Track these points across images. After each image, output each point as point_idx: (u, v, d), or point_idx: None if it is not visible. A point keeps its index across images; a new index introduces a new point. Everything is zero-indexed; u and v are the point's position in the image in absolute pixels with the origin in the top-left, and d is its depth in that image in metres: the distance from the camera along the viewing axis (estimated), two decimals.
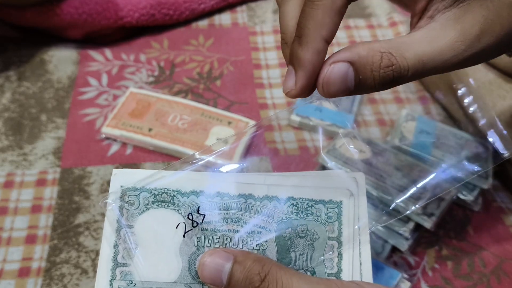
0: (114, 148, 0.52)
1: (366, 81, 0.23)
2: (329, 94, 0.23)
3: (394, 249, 0.43)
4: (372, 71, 0.23)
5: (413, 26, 0.25)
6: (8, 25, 0.64)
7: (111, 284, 0.24)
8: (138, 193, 0.24)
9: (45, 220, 0.46)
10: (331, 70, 0.23)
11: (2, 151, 0.52)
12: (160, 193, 0.24)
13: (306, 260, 0.25)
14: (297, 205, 0.25)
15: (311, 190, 0.25)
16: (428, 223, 0.42)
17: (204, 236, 0.24)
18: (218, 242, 0.24)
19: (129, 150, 0.52)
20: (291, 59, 0.23)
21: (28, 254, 0.44)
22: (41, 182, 0.49)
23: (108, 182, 0.49)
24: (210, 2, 0.69)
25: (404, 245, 0.43)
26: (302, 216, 0.25)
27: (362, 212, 0.26)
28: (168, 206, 0.24)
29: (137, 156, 0.52)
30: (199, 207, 0.25)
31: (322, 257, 0.25)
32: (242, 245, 0.25)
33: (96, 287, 0.24)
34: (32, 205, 0.47)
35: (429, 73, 0.24)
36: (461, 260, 0.44)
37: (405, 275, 0.41)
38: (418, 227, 0.43)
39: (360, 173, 0.26)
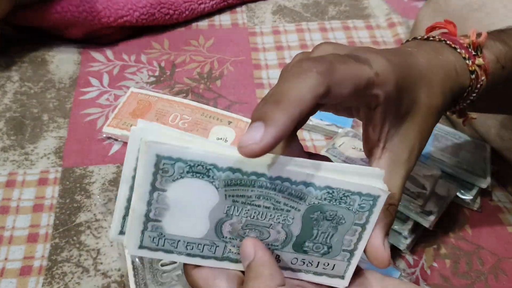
0: (115, 147, 0.53)
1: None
2: None
3: (393, 248, 0.44)
4: (389, 206, 0.29)
5: (371, 154, 0.31)
6: (10, 25, 0.65)
7: (142, 233, 0.26)
8: (174, 162, 0.24)
9: (46, 219, 0.46)
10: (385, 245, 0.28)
11: (4, 151, 0.52)
12: (196, 165, 0.25)
13: (327, 237, 0.27)
14: (333, 194, 0.26)
15: (350, 184, 0.26)
16: (427, 222, 0.43)
17: (235, 207, 0.26)
18: (247, 214, 0.26)
19: None
20: (262, 116, 0.24)
21: (29, 252, 0.44)
22: (42, 181, 0.49)
23: (110, 182, 0.49)
24: (210, 2, 0.69)
25: (403, 244, 0.43)
26: (334, 203, 0.26)
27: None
28: (202, 177, 0.25)
29: None
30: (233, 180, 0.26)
31: (342, 238, 0.27)
32: (269, 219, 0.26)
33: (126, 235, 0.26)
34: (33, 204, 0.48)
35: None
36: (459, 258, 0.44)
37: (404, 274, 0.41)
38: (417, 226, 0.44)
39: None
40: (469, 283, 0.42)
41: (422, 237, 0.45)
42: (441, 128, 0.52)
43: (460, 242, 0.45)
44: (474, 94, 0.33)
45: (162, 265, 0.41)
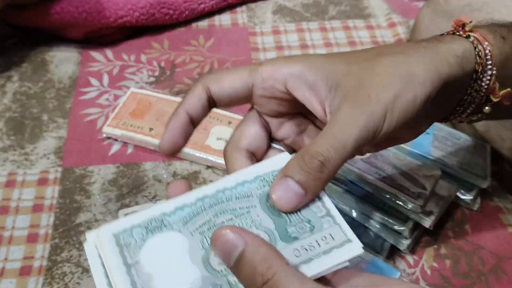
0: (115, 147, 0.53)
1: (309, 180, 0.26)
2: (288, 208, 0.26)
3: (393, 248, 0.44)
4: (305, 171, 0.26)
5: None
6: (9, 25, 0.65)
7: None
8: (130, 231, 0.26)
9: (46, 219, 0.46)
10: (278, 188, 0.26)
11: (3, 151, 0.52)
12: (150, 223, 0.26)
13: (298, 214, 0.27)
14: (265, 179, 0.28)
15: (270, 165, 0.29)
16: (427, 222, 0.43)
17: (205, 237, 0.26)
18: None
19: (130, 150, 0.52)
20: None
21: (29, 253, 0.44)
22: (42, 182, 0.49)
23: (110, 182, 0.49)
24: (210, 2, 0.69)
25: (403, 244, 0.43)
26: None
27: None
28: (162, 229, 0.26)
29: (138, 155, 0.52)
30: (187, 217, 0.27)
31: (309, 208, 0.27)
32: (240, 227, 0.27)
33: None
34: (33, 204, 0.47)
35: (356, 152, 0.27)
36: (459, 259, 0.44)
37: (404, 274, 0.41)
38: (417, 226, 0.44)
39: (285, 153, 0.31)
40: (469, 283, 0.42)
41: (422, 237, 0.45)
42: (441, 128, 0.52)
43: (460, 242, 0.45)
44: (490, 64, 0.31)
45: None
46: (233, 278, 0.25)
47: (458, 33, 0.32)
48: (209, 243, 0.25)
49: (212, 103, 0.32)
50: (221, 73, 0.32)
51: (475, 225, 0.46)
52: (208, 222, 0.26)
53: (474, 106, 0.33)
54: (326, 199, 0.28)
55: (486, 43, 0.32)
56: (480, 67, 0.31)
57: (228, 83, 0.31)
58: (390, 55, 0.29)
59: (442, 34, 0.33)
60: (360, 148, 0.27)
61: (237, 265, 0.23)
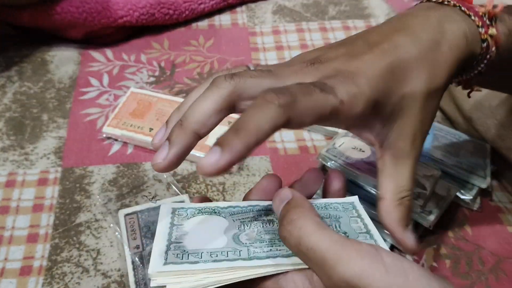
0: (115, 147, 0.53)
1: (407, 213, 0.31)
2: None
3: (393, 248, 0.44)
4: (401, 200, 0.31)
5: (376, 156, 0.33)
6: (9, 25, 0.65)
7: (166, 253, 0.28)
8: (186, 209, 0.31)
9: (46, 219, 0.46)
10: (407, 236, 0.31)
11: (3, 151, 0.52)
12: (204, 208, 0.31)
13: (336, 228, 0.30)
14: (317, 205, 0.32)
15: (326, 200, 0.33)
16: (427, 222, 0.43)
17: (244, 224, 0.30)
18: (256, 226, 0.30)
19: (130, 150, 0.52)
20: (221, 142, 0.25)
21: (29, 253, 0.44)
22: (42, 182, 0.49)
23: (109, 182, 0.49)
24: (210, 2, 0.69)
25: None
26: (321, 210, 0.31)
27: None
28: (211, 214, 0.31)
29: (138, 155, 0.52)
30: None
31: (350, 226, 0.30)
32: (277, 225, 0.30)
33: (151, 258, 0.28)
34: (33, 204, 0.47)
35: None
36: (459, 258, 0.44)
37: None
38: (417, 225, 0.44)
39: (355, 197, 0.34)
40: (469, 283, 0.42)
41: (422, 237, 0.45)
42: (441, 128, 0.52)
43: (460, 242, 0.45)
44: (483, 65, 0.33)
45: None
46: (253, 249, 0.28)
47: (481, 28, 0.32)
48: (246, 228, 0.30)
49: None
50: (294, 95, 0.26)
51: (475, 225, 0.46)
52: (252, 218, 0.31)
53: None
54: (370, 224, 0.30)
55: (494, 48, 0.33)
56: (472, 68, 0.34)
57: (311, 115, 0.27)
58: (417, 107, 0.31)
59: (469, 15, 0.32)
60: None
61: (283, 209, 0.28)
